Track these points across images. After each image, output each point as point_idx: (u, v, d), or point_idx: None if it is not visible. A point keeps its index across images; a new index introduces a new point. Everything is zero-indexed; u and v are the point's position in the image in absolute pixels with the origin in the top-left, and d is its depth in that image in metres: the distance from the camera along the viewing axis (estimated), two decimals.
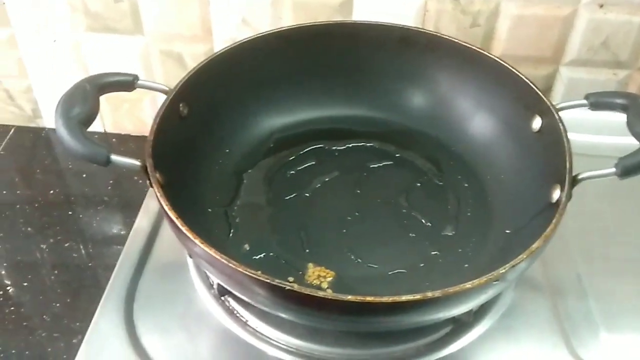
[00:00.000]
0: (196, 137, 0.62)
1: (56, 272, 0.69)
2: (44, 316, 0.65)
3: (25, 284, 0.68)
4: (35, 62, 0.81)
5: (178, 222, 0.47)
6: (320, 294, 0.44)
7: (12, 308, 0.65)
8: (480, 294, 0.46)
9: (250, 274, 0.44)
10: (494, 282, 0.45)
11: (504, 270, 0.45)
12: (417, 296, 0.43)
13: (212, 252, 0.45)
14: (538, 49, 0.75)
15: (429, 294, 0.43)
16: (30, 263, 0.70)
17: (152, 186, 0.51)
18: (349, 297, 0.43)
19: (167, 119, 0.56)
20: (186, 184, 0.59)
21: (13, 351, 0.61)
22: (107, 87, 0.57)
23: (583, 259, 0.62)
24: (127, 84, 0.58)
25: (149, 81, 0.59)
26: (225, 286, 0.51)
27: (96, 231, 0.74)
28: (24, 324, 0.64)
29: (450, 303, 0.45)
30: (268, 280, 0.44)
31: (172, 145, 0.57)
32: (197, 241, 0.46)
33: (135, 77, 0.58)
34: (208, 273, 0.56)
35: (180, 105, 0.59)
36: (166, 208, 0.48)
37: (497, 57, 0.63)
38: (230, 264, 0.45)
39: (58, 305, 0.66)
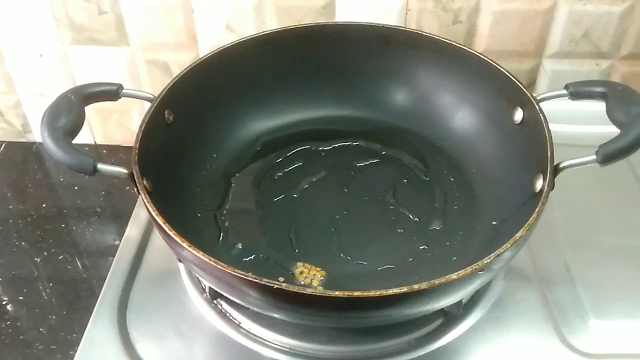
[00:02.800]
0: (183, 143, 0.63)
1: (51, 284, 0.69)
2: (41, 329, 0.65)
3: (20, 297, 0.68)
4: (23, 77, 0.81)
5: (166, 227, 0.48)
6: (309, 291, 0.44)
7: (9, 322, 0.66)
8: (467, 284, 0.46)
9: (239, 275, 0.44)
10: (480, 272, 0.45)
11: (488, 260, 0.45)
12: (404, 289, 0.43)
13: (200, 255, 0.46)
14: (520, 43, 0.75)
15: (415, 287, 0.43)
16: (25, 277, 0.70)
17: (139, 193, 0.51)
18: (337, 293, 0.43)
19: (153, 126, 0.56)
20: (174, 189, 0.60)
21: None
22: (92, 97, 0.57)
23: (571, 247, 0.63)
24: (112, 93, 0.58)
25: (133, 90, 0.59)
26: (216, 289, 0.51)
27: (90, 242, 0.74)
28: (21, 337, 0.64)
29: (437, 294, 0.46)
30: (256, 280, 0.44)
31: (159, 151, 0.57)
32: (185, 245, 0.47)
33: (120, 87, 0.58)
34: (199, 277, 0.56)
35: (166, 112, 0.60)
36: (154, 214, 0.49)
37: (478, 52, 0.64)
38: (219, 266, 0.45)
39: (54, 317, 0.66)
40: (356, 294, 0.43)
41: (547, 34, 0.75)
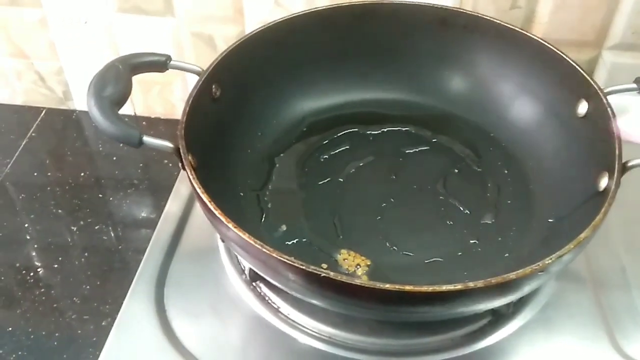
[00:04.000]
0: (228, 119, 0.61)
1: (86, 254, 0.69)
2: (74, 298, 0.65)
3: (55, 265, 0.68)
4: (67, 43, 0.80)
5: (211, 205, 0.47)
6: (357, 281, 0.42)
7: (43, 290, 0.66)
8: (524, 285, 0.44)
9: (285, 260, 0.43)
10: (539, 273, 0.43)
11: (550, 261, 0.43)
12: (458, 286, 0.41)
13: (245, 236, 0.44)
14: (581, 32, 0.72)
15: (471, 285, 0.41)
16: (60, 245, 0.70)
17: (184, 169, 0.50)
18: (387, 286, 0.41)
19: (200, 101, 0.55)
20: (218, 167, 0.59)
21: (43, 332, 0.62)
22: (140, 68, 0.56)
23: (627, 250, 0.60)
24: (160, 64, 0.57)
25: (181, 62, 0.58)
26: (258, 272, 0.49)
27: (126, 214, 0.74)
28: (54, 305, 0.64)
29: (492, 294, 0.44)
30: (303, 267, 0.43)
31: (204, 127, 0.56)
32: (230, 225, 0.45)
33: (168, 58, 0.57)
34: (240, 258, 0.55)
35: (213, 86, 0.58)
36: (199, 191, 0.48)
37: (540, 38, 0.61)
38: (265, 249, 0.44)
39: (88, 287, 0.66)
40: (407, 287, 0.41)
41: (610, 24, 0.71)
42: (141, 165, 0.80)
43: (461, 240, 0.57)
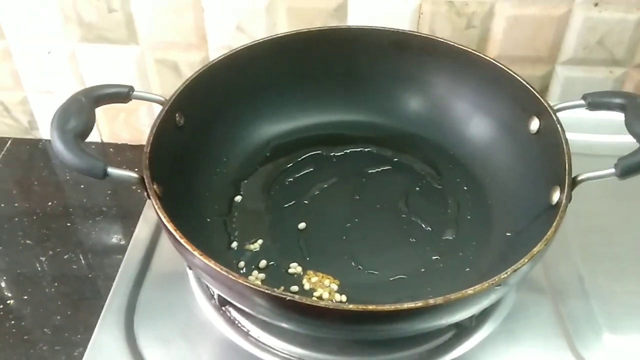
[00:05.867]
0: (193, 146, 0.62)
1: (56, 284, 0.69)
2: (45, 329, 0.64)
3: (25, 297, 0.67)
4: (30, 73, 0.80)
5: (177, 234, 0.47)
6: (322, 303, 0.43)
7: (13, 322, 0.65)
8: (483, 299, 0.46)
9: (251, 286, 0.44)
10: (496, 287, 0.45)
11: (505, 275, 0.44)
12: (419, 303, 0.43)
13: (211, 264, 0.45)
14: (534, 49, 0.74)
15: (431, 301, 0.43)
16: (30, 276, 0.70)
17: (149, 198, 0.50)
18: (351, 307, 0.43)
19: (164, 130, 0.56)
20: (184, 194, 0.59)
21: None
22: (103, 99, 0.56)
23: (584, 259, 0.62)
24: (123, 95, 0.57)
25: (144, 92, 0.58)
26: (227, 298, 0.50)
27: (95, 242, 0.74)
28: (25, 337, 0.64)
29: (452, 309, 0.45)
30: (268, 292, 0.43)
31: (169, 155, 0.57)
32: (196, 253, 0.46)
33: (131, 89, 0.57)
34: (208, 284, 0.55)
35: (177, 115, 0.59)
36: (164, 220, 0.48)
37: (493, 59, 0.63)
38: (230, 276, 0.44)
39: (59, 317, 0.65)
40: (370, 307, 0.43)
41: (562, 40, 0.74)
42: (109, 192, 0.80)
43: (424, 257, 0.58)
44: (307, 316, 0.45)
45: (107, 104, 0.57)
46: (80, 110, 0.54)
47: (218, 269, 0.45)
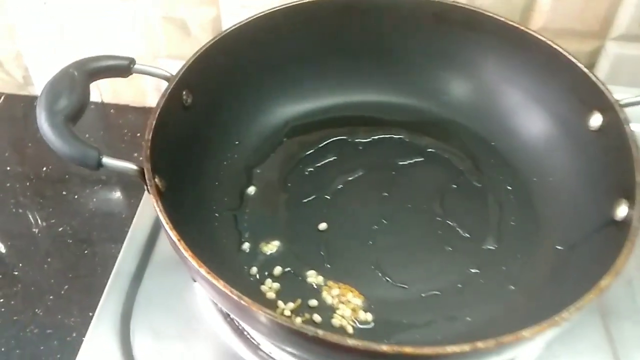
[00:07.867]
0: (201, 128, 0.57)
1: (49, 259, 0.64)
2: (37, 310, 0.60)
3: (15, 272, 0.63)
4: (25, 26, 0.75)
5: (181, 246, 0.42)
6: (350, 342, 0.37)
7: (2, 300, 0.60)
8: (537, 340, 0.39)
9: (268, 315, 0.38)
10: (554, 327, 0.38)
11: (567, 314, 0.38)
12: (465, 347, 0.37)
13: (220, 285, 0.39)
14: (583, 21, 0.68)
15: (480, 345, 0.37)
16: (21, 249, 0.65)
17: (149, 192, 0.45)
18: (384, 348, 0.37)
19: (169, 110, 0.51)
20: (190, 184, 0.54)
21: (2, 349, 0.57)
22: (99, 73, 0.52)
23: None
24: (122, 68, 0.53)
25: (147, 65, 0.54)
26: (238, 320, 0.44)
27: (93, 213, 0.69)
28: (15, 318, 0.59)
29: (502, 352, 0.39)
30: (288, 325, 0.38)
31: (174, 140, 0.52)
32: (203, 270, 0.40)
33: (132, 61, 0.53)
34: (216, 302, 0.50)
35: (184, 92, 0.54)
36: (167, 227, 0.42)
37: (550, 40, 0.56)
38: (242, 301, 0.38)
39: (52, 297, 0.61)
40: (407, 349, 0.37)
41: (615, 14, 0.67)
42: None
43: (461, 269, 0.52)
44: (331, 351, 0.39)
45: (103, 79, 0.53)
46: (72, 86, 0.49)
47: (228, 291, 0.39)
